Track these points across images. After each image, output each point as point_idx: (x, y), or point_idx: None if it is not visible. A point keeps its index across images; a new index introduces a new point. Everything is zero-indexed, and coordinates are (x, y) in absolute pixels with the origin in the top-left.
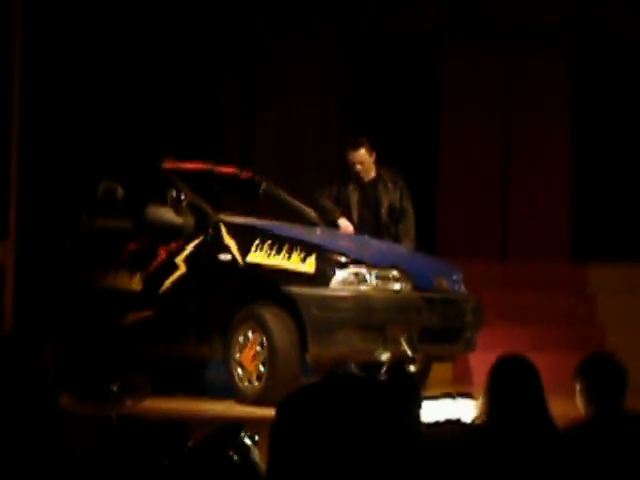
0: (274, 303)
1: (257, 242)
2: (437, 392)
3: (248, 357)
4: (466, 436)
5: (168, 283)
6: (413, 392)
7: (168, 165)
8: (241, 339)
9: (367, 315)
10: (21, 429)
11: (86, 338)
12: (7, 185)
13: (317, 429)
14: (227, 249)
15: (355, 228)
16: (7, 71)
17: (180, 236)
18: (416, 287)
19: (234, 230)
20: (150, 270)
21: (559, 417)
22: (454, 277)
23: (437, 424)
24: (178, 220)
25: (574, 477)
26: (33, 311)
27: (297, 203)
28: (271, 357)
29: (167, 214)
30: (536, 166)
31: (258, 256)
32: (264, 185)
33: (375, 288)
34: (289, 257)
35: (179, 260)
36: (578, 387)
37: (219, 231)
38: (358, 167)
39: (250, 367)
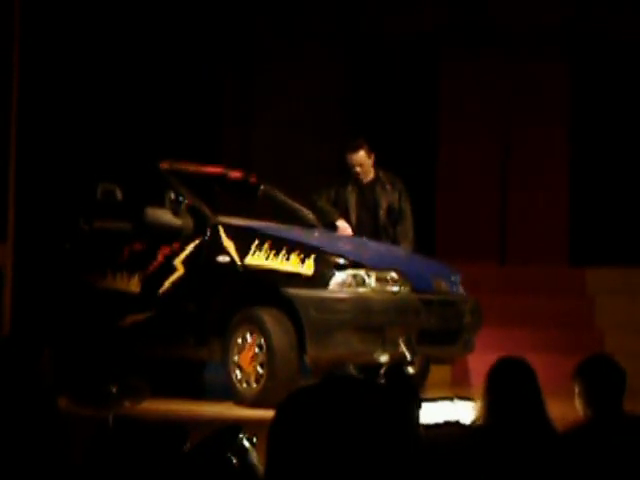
0: (272, 305)
1: (255, 244)
2: (436, 394)
3: (246, 359)
4: (465, 438)
5: (167, 285)
6: (412, 394)
7: (166, 167)
8: (239, 341)
9: (365, 317)
10: (20, 431)
11: (84, 339)
12: (5, 186)
13: (315, 431)
14: (226, 251)
15: (353, 230)
16: (6, 72)
17: (179, 238)
18: (414, 289)
19: (233, 232)
20: (149, 272)
21: (557, 419)
22: (452, 279)
23: (436, 426)
24: (177, 222)
25: (573, 479)
26: (32, 313)
27: (295, 205)
28: (269, 359)
29: (166, 216)
30: (536, 167)
31: (257, 258)
32: (262, 187)
33: (373, 290)
34: (287, 259)
35: (178, 262)
36: (577, 389)
37: (217, 233)
38: (357, 169)
39: (248, 369)
